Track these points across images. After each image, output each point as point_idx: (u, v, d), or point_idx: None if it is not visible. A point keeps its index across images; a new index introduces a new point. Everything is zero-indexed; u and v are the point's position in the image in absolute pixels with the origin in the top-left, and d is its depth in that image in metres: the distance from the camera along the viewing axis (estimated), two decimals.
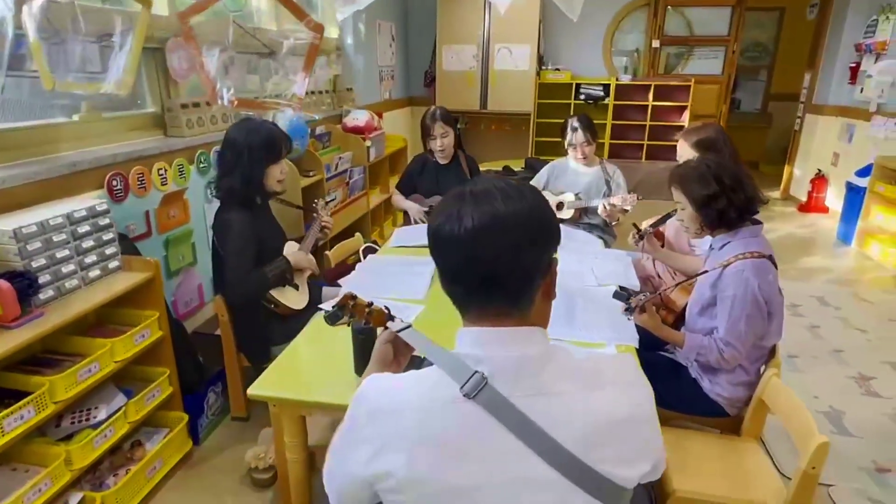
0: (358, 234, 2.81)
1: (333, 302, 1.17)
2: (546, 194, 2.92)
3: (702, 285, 1.80)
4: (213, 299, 2.37)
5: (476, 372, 0.78)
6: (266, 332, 2.16)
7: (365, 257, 2.50)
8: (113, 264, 1.92)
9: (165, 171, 2.43)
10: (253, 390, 1.50)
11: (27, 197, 1.84)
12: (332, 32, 4.27)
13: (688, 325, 1.88)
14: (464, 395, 0.76)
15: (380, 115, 4.58)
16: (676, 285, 2.04)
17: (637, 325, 1.78)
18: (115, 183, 2.17)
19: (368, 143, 4.02)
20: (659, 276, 2.57)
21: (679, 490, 1.48)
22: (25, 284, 1.59)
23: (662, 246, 2.41)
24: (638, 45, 6.23)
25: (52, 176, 1.93)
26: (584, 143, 2.93)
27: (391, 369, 1.07)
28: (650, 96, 5.93)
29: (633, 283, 2.19)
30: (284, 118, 3.02)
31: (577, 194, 3.00)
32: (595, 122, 3.02)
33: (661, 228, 2.43)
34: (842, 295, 3.79)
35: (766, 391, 1.62)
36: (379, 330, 1.14)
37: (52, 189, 1.93)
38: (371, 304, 1.15)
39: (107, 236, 1.89)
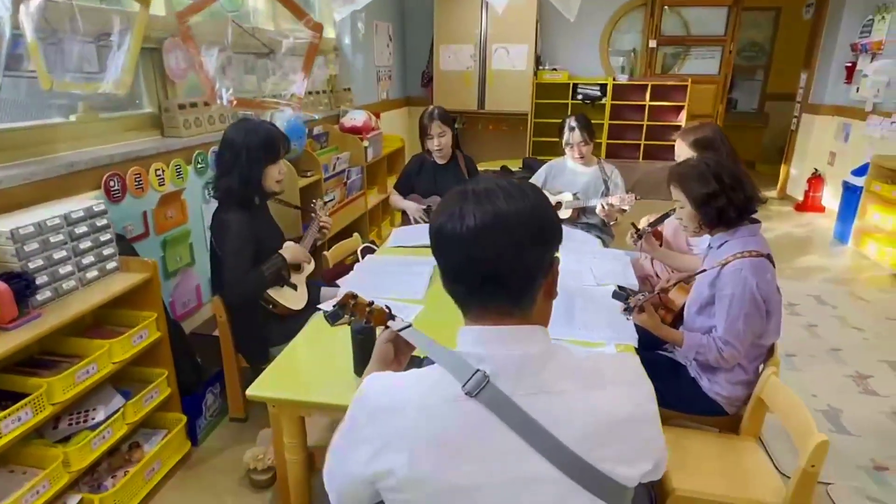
0: (356, 235, 2.81)
1: (333, 301, 1.17)
2: None
3: (700, 284, 1.81)
4: (212, 300, 2.36)
5: (478, 370, 0.78)
6: (264, 333, 2.15)
7: (363, 257, 2.49)
8: (110, 265, 1.92)
9: (163, 171, 2.42)
10: (252, 391, 1.50)
11: (24, 197, 1.83)
12: (329, 32, 4.26)
13: (686, 324, 1.88)
14: (465, 394, 0.76)
15: (377, 116, 4.58)
16: (675, 284, 2.05)
17: (636, 325, 1.78)
18: (112, 183, 2.16)
19: (366, 143, 4.01)
20: (657, 276, 2.58)
21: (679, 489, 1.48)
22: (23, 285, 1.59)
23: (661, 245, 2.42)
24: (635, 44, 6.24)
25: (49, 176, 1.92)
26: (582, 142, 2.93)
27: (392, 368, 1.07)
28: (647, 96, 5.94)
29: (632, 283, 2.19)
30: (282, 118, 3.01)
31: (575, 194, 3.00)
32: (592, 122, 3.02)
33: (659, 228, 2.44)
34: (839, 294, 3.80)
35: (764, 390, 1.63)
36: (379, 329, 1.14)
37: (50, 189, 1.92)
38: (372, 303, 1.15)
39: (104, 237, 1.89)
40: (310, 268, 2.34)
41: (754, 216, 1.76)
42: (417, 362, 1.33)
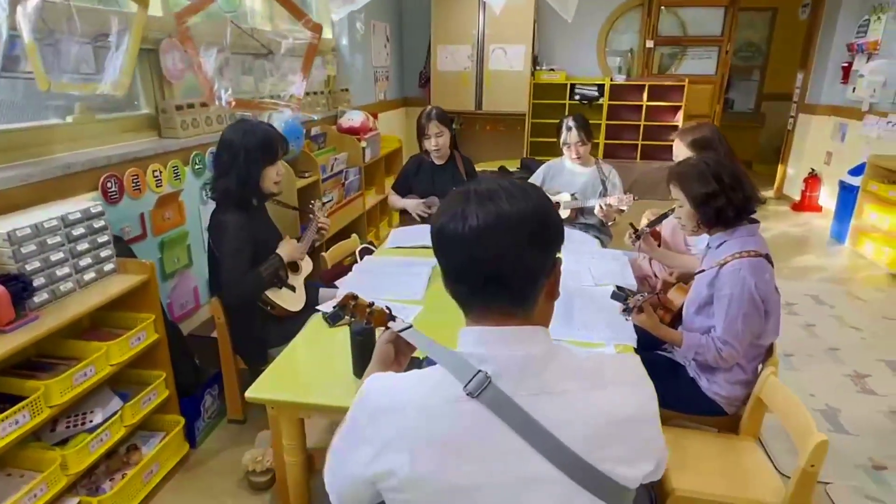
0: (354, 236, 2.80)
1: (333, 303, 1.17)
2: None
3: (699, 284, 1.81)
4: (209, 301, 2.35)
5: (479, 371, 0.78)
6: (263, 335, 2.15)
7: (362, 258, 2.49)
8: (108, 267, 1.91)
9: (160, 172, 2.41)
10: (251, 393, 1.49)
11: (21, 199, 1.83)
12: (326, 33, 4.26)
13: (685, 324, 1.88)
14: (467, 394, 0.76)
15: (375, 116, 4.57)
16: (673, 284, 2.05)
17: (635, 325, 1.78)
18: (109, 185, 2.15)
19: (364, 143, 4.01)
20: (655, 276, 2.58)
21: (679, 489, 1.48)
22: (20, 287, 1.58)
23: (659, 245, 2.42)
24: (632, 45, 6.25)
25: (46, 178, 1.91)
26: (579, 142, 2.93)
27: (392, 369, 1.07)
28: (644, 96, 5.95)
29: (630, 283, 2.20)
30: (279, 119, 3.01)
31: (573, 194, 3.00)
32: (590, 122, 3.02)
33: (657, 228, 2.44)
34: (836, 293, 3.81)
35: (763, 390, 1.63)
36: (379, 330, 1.14)
37: (46, 191, 1.91)
38: (372, 304, 1.14)
39: (101, 239, 1.88)
40: (308, 269, 2.33)
41: (753, 216, 1.76)
42: (417, 363, 1.33)
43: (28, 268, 1.63)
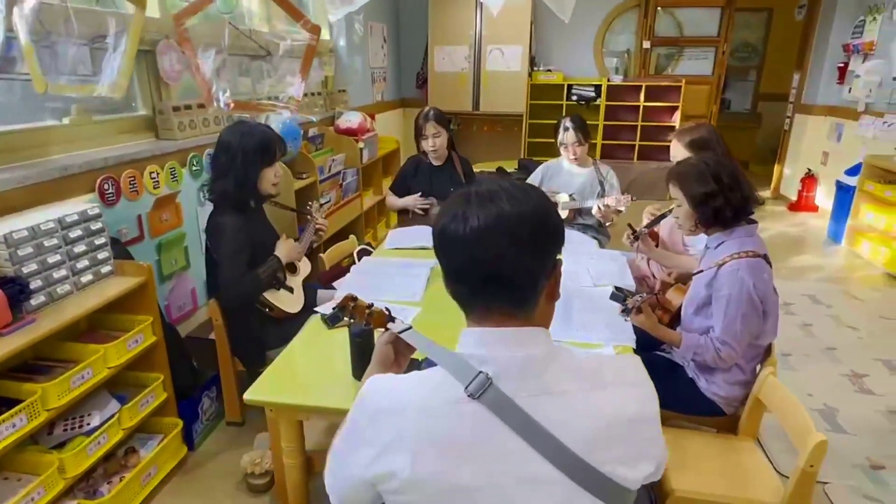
0: (352, 237, 2.80)
1: (332, 304, 1.17)
2: None
3: (697, 285, 1.81)
4: (207, 303, 2.35)
5: (480, 372, 0.78)
6: (261, 336, 2.14)
7: (360, 259, 2.49)
8: (105, 269, 1.90)
9: (157, 174, 2.41)
10: (249, 395, 1.49)
11: (17, 201, 1.82)
12: (323, 34, 4.25)
13: (683, 325, 1.88)
14: (468, 396, 0.76)
15: (372, 117, 4.57)
16: (672, 285, 2.05)
17: (634, 326, 1.78)
18: (106, 187, 2.15)
19: (361, 144, 4.01)
20: (654, 276, 2.58)
21: (678, 490, 1.48)
22: (16, 290, 1.57)
23: (657, 246, 2.42)
24: (629, 45, 6.26)
25: (42, 180, 1.90)
26: (576, 142, 2.93)
27: (392, 371, 1.06)
28: (641, 97, 5.96)
29: (629, 283, 2.20)
30: (277, 120, 3.00)
31: (571, 195, 3.00)
32: (587, 122, 3.03)
33: (655, 229, 2.44)
34: (833, 293, 3.82)
35: (762, 390, 1.63)
36: (378, 332, 1.13)
37: (43, 193, 1.91)
38: (371, 305, 1.14)
39: (99, 241, 1.87)
40: (306, 270, 2.33)
41: (751, 217, 1.77)
42: (416, 365, 1.32)
43: (25, 270, 1.62)
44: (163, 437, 2.06)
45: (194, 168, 2.66)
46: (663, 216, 2.35)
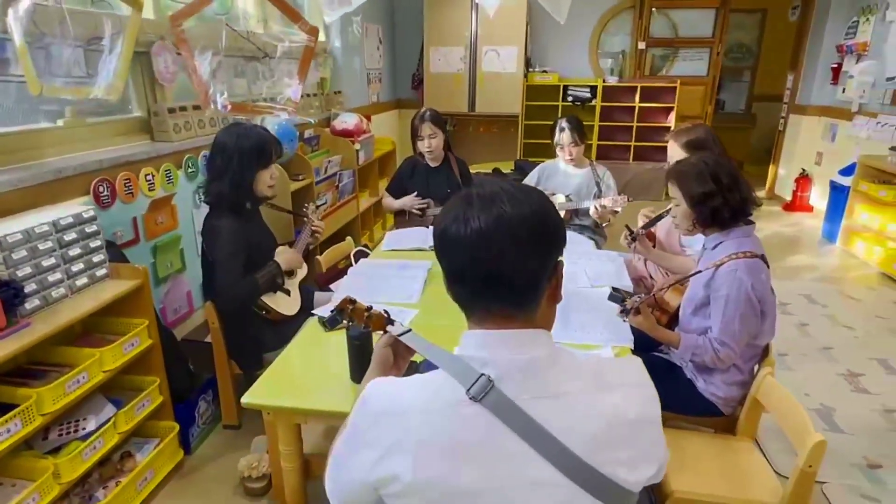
0: (349, 238, 2.79)
1: (330, 307, 1.16)
2: None
3: (695, 285, 1.81)
4: (204, 306, 2.34)
5: (482, 375, 0.77)
6: (258, 339, 2.13)
7: (356, 261, 2.48)
8: (100, 272, 1.89)
9: (153, 176, 2.39)
10: (247, 399, 1.48)
11: (12, 204, 1.80)
12: (319, 35, 4.24)
13: (681, 325, 1.88)
14: (470, 398, 0.76)
15: (368, 118, 4.56)
16: (670, 286, 2.05)
17: (631, 326, 1.78)
18: (101, 189, 2.13)
19: (357, 146, 4.00)
20: (651, 277, 2.58)
21: (678, 490, 1.48)
22: (11, 294, 1.55)
23: (654, 246, 2.42)
24: (624, 46, 6.28)
25: (36, 182, 1.89)
26: (572, 143, 2.94)
27: (391, 373, 1.06)
28: (637, 98, 5.97)
29: (626, 284, 2.20)
30: (273, 122, 2.99)
31: (567, 196, 3.00)
32: (583, 123, 3.03)
33: (652, 229, 2.45)
34: (829, 293, 3.83)
35: (760, 390, 1.63)
36: (377, 334, 1.13)
37: (38, 196, 1.89)
38: (370, 308, 1.14)
39: (94, 244, 1.86)
40: (303, 272, 2.32)
41: (749, 217, 1.77)
42: (414, 367, 1.32)
43: (19, 274, 1.60)
44: (159, 441, 2.05)
45: (190, 170, 2.65)
46: (660, 217, 2.36)
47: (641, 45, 6.14)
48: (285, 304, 2.16)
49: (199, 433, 2.28)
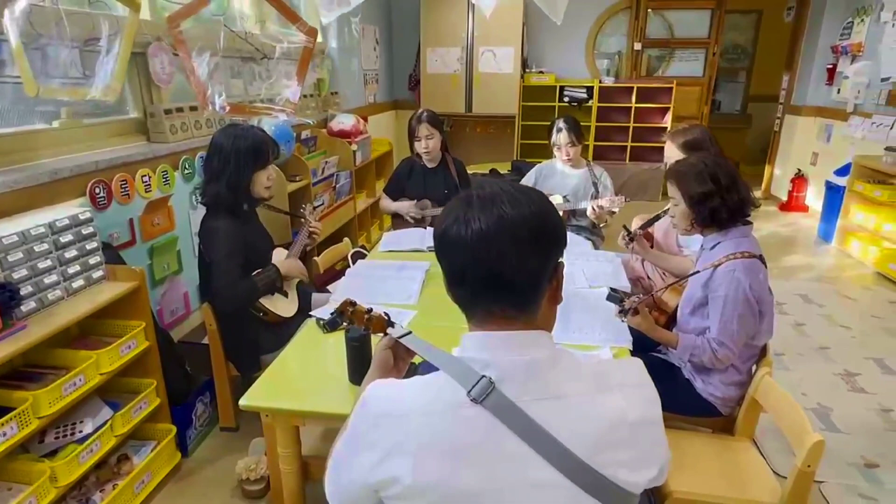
0: (346, 240, 2.78)
1: (329, 308, 1.16)
2: None
3: (693, 285, 1.82)
4: (201, 308, 2.33)
5: (483, 376, 0.77)
6: (255, 341, 2.12)
7: (354, 262, 2.47)
8: (97, 274, 1.88)
9: (149, 177, 2.38)
10: (245, 401, 1.47)
11: (7, 206, 1.79)
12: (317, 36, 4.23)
13: (679, 326, 1.89)
14: (471, 400, 0.76)
15: (365, 119, 4.56)
16: (668, 286, 2.05)
17: (629, 327, 1.78)
18: (97, 190, 2.12)
19: (354, 146, 3.99)
20: (648, 277, 2.59)
21: (677, 491, 1.48)
22: (7, 296, 1.54)
23: (651, 247, 2.43)
24: (620, 47, 6.29)
25: (32, 184, 1.87)
26: (569, 143, 2.94)
27: (392, 375, 1.06)
28: (633, 98, 5.98)
29: (624, 284, 2.20)
30: (270, 123, 2.98)
31: (565, 196, 3.00)
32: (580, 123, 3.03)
33: (649, 230, 2.45)
34: (825, 292, 3.85)
35: (758, 390, 1.64)
36: (378, 336, 1.12)
37: (33, 197, 1.88)
38: (371, 310, 1.13)
39: (90, 245, 1.85)
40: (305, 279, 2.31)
41: (746, 217, 1.77)
42: (413, 368, 1.31)
43: (15, 276, 1.59)
44: (156, 444, 2.04)
45: (186, 171, 2.64)
46: (657, 217, 2.36)
47: (637, 46, 6.16)
48: (283, 305, 2.15)
49: (196, 435, 2.27)
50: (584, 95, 6.02)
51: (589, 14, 6.04)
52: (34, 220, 1.70)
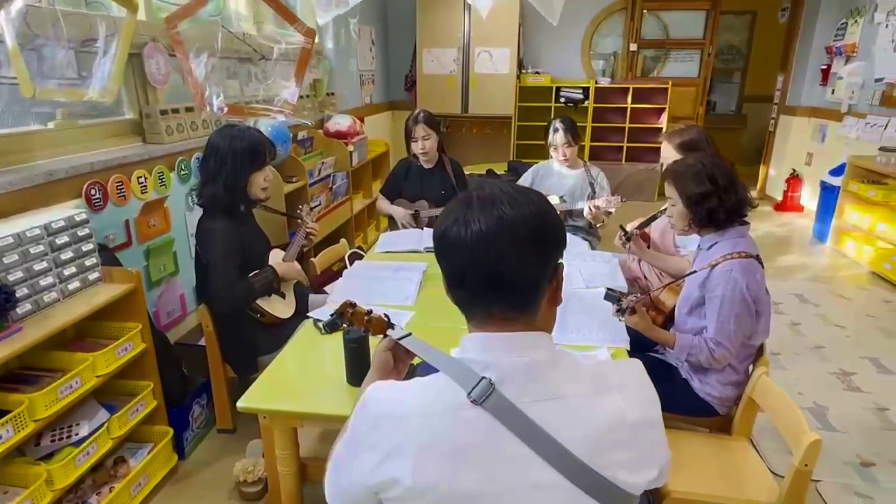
0: (343, 241, 2.78)
1: (326, 310, 1.16)
2: None
3: (690, 285, 1.82)
4: (197, 309, 2.32)
5: (483, 378, 0.77)
6: (252, 342, 2.12)
7: (351, 263, 2.47)
8: (93, 276, 1.87)
9: (145, 178, 2.37)
10: (243, 403, 1.46)
11: (2, 207, 1.78)
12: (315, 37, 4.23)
13: (677, 325, 1.89)
14: (471, 402, 0.76)
15: (361, 120, 4.55)
16: (665, 286, 2.06)
17: (627, 327, 1.78)
18: (93, 192, 2.11)
19: (351, 147, 3.99)
20: (645, 277, 2.59)
21: (675, 490, 1.48)
22: (2, 298, 1.53)
23: (648, 247, 2.43)
24: (616, 48, 6.31)
25: (27, 185, 1.87)
26: (565, 144, 2.95)
27: (391, 377, 1.06)
28: (629, 99, 6.00)
29: (621, 284, 2.20)
30: (266, 124, 2.97)
31: (561, 197, 3.01)
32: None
33: (646, 230, 2.46)
34: (820, 292, 3.87)
35: (756, 390, 1.64)
36: (377, 338, 1.12)
37: (29, 199, 1.87)
38: (370, 311, 1.13)
39: (86, 247, 1.84)
40: (303, 280, 2.31)
41: (743, 218, 1.78)
42: (412, 370, 1.31)
43: (10, 278, 1.58)
44: (153, 446, 2.03)
45: (182, 172, 2.63)
46: (654, 217, 2.37)
47: (633, 47, 6.18)
48: (280, 307, 2.14)
49: (193, 438, 2.26)
50: (580, 96, 6.03)
51: (585, 15, 6.06)
52: (30, 222, 1.69)
